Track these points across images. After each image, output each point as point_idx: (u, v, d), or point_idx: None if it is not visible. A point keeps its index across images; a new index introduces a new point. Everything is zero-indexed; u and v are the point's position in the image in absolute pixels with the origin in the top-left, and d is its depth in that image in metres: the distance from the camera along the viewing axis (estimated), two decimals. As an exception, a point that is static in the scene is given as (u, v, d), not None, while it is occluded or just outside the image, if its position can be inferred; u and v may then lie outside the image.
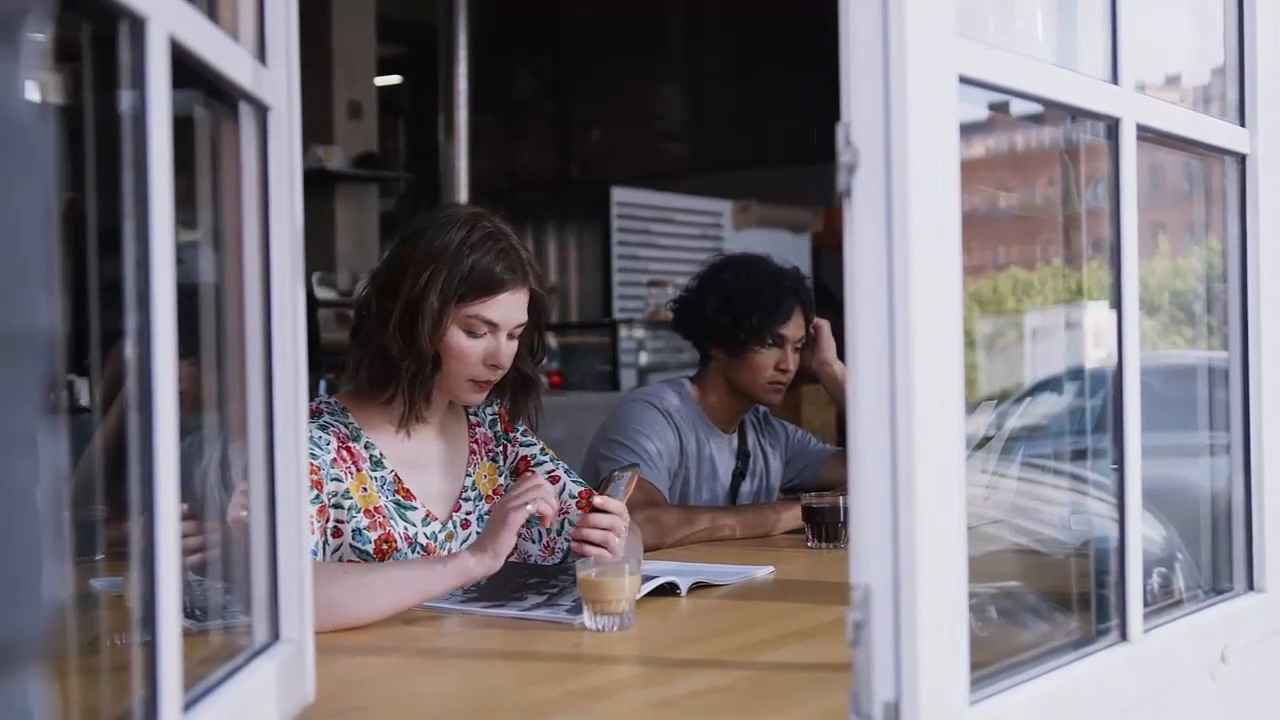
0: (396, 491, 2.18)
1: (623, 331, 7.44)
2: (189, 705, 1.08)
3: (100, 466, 1.84)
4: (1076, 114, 1.54)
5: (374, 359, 2.16)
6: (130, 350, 1.00)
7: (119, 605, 1.44)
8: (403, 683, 1.64)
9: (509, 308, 2.17)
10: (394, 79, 10.15)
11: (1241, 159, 1.79)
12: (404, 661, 1.76)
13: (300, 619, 1.38)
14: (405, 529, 2.16)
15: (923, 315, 1.15)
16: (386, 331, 2.13)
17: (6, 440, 0.56)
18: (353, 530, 2.11)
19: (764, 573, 2.33)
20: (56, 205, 0.62)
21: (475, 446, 2.34)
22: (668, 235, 8.27)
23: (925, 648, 1.15)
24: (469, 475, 2.31)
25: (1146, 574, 1.59)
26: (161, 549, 1.00)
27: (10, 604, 0.56)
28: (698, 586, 2.15)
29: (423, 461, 2.25)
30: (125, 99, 1.00)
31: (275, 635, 1.36)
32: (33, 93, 0.61)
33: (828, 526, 2.62)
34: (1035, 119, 1.69)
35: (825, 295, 6.04)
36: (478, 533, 2.25)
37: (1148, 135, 1.55)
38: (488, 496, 2.31)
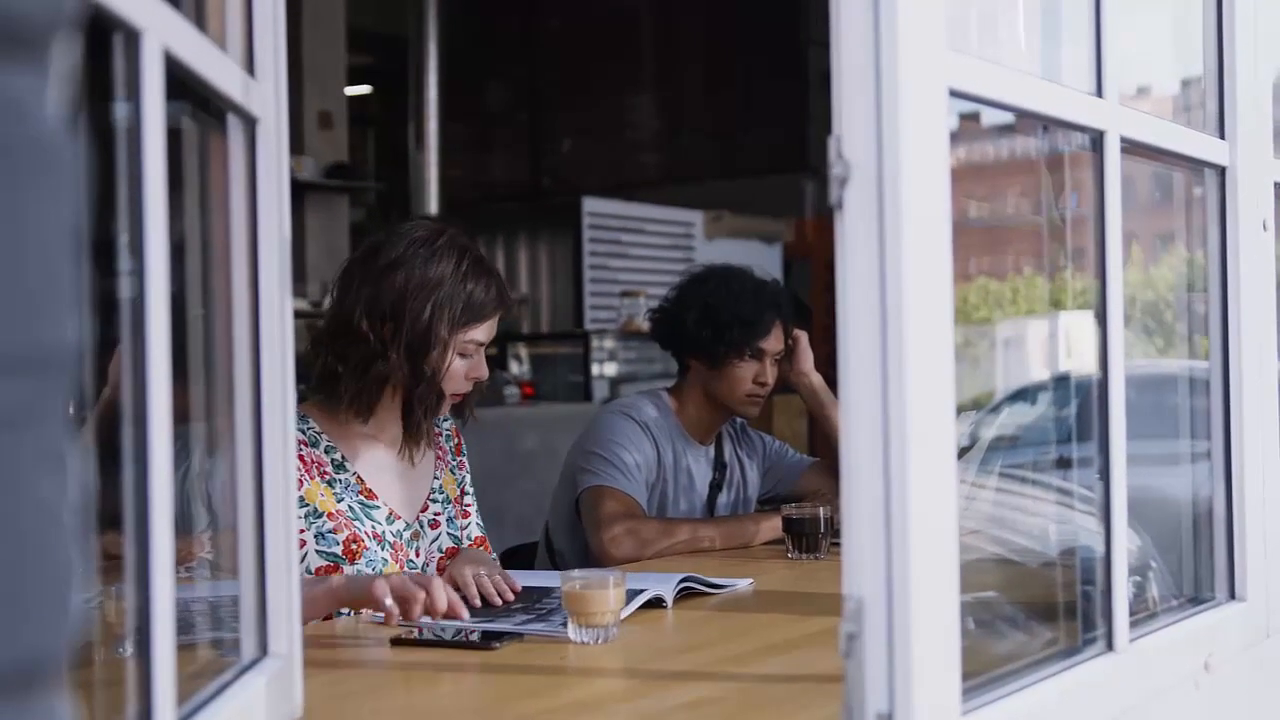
0: (360, 492, 2.25)
1: (594, 342, 7.41)
2: (181, 721, 1.07)
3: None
4: (1062, 126, 1.55)
5: (374, 386, 2.22)
6: (125, 362, 0.99)
7: (99, 619, 1.43)
8: (390, 697, 1.63)
9: (494, 327, 2.30)
10: (364, 89, 10.13)
11: (1221, 171, 1.80)
12: (391, 676, 1.75)
13: (289, 634, 1.37)
14: (372, 527, 2.23)
15: (916, 326, 1.15)
16: (389, 361, 2.19)
17: (36, 456, 0.56)
18: (316, 535, 2.17)
19: (745, 584, 2.33)
20: (84, 221, 0.62)
21: (440, 453, 2.43)
22: (639, 245, 8.25)
23: (919, 658, 1.15)
24: (436, 478, 2.39)
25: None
26: (155, 563, 0.99)
27: (40, 621, 0.56)
28: (685, 594, 2.16)
29: (389, 465, 2.31)
30: (119, 110, 1.00)
31: (264, 650, 1.35)
32: (61, 108, 0.60)
33: (808, 537, 2.62)
34: (1007, 129, 1.70)
35: (796, 305, 6.05)
36: (448, 533, 2.36)
37: (1130, 148, 1.56)
38: (454, 500, 2.40)
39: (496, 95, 10.25)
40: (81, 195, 0.61)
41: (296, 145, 7.29)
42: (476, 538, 2.41)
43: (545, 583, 2.21)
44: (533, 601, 2.10)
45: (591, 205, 8.12)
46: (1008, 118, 1.56)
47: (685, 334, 3.01)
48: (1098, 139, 1.51)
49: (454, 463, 2.44)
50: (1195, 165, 1.81)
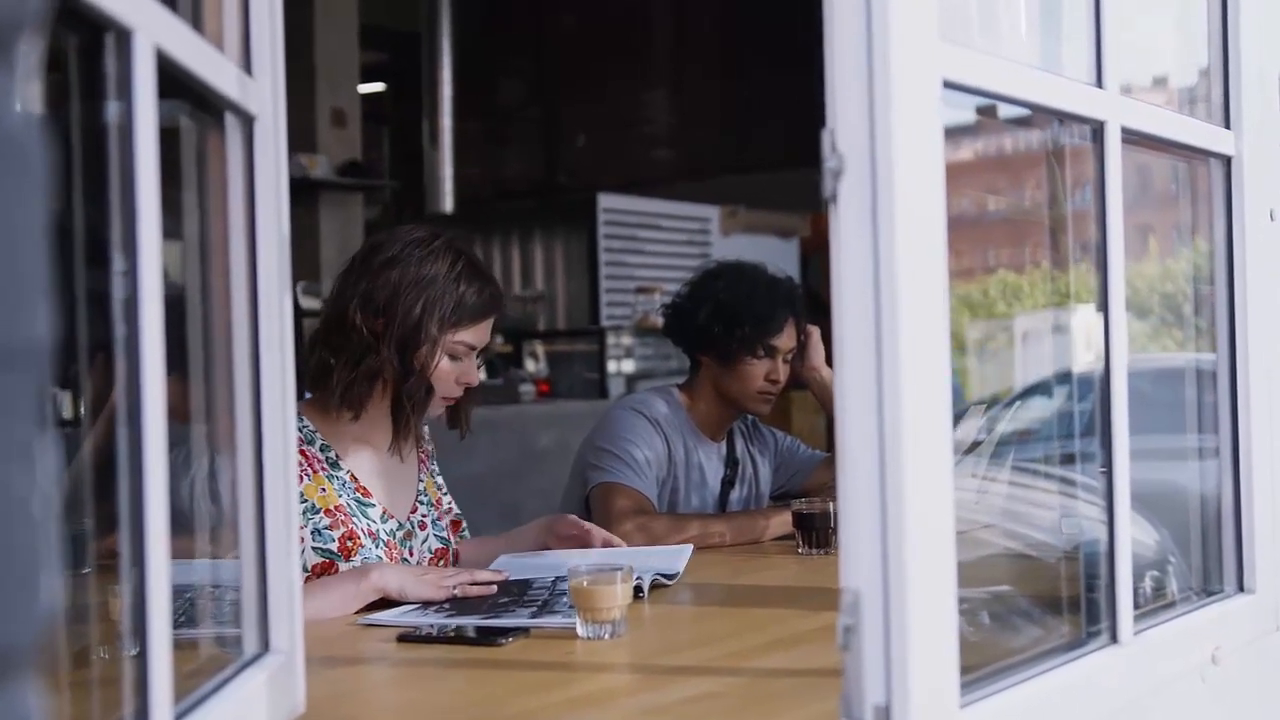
0: (356, 490, 2.28)
1: (610, 339, 7.40)
2: (180, 717, 1.08)
3: (89, 479, 1.84)
4: (1061, 117, 1.54)
5: (364, 380, 2.25)
6: (119, 362, 0.99)
7: (104, 618, 1.43)
8: (393, 693, 1.64)
9: (487, 332, 2.33)
10: (378, 86, 10.14)
11: (1227, 161, 1.79)
12: (395, 672, 1.76)
13: (290, 630, 1.37)
14: (368, 525, 2.27)
15: (910, 319, 1.15)
16: (379, 356, 2.23)
17: (4, 449, 0.56)
18: (313, 531, 2.20)
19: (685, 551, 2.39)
20: (52, 217, 0.62)
21: (423, 457, 2.48)
22: (655, 241, 8.25)
23: (915, 651, 1.15)
24: (420, 481, 2.44)
25: (1139, 577, 1.59)
26: (151, 561, 1.00)
27: (9, 612, 0.57)
28: (655, 586, 2.19)
29: (379, 466, 2.35)
30: (111, 109, 1.00)
31: (265, 646, 1.35)
32: (28, 105, 0.61)
33: (818, 532, 2.62)
34: (1022, 122, 1.69)
35: (813, 301, 6.04)
36: (434, 535, 2.41)
37: (1133, 138, 1.55)
38: (435, 504, 2.45)
39: (510, 92, 10.24)
40: (50, 192, 0.62)
41: (310, 143, 7.30)
42: (437, 549, 2.42)
43: (530, 575, 2.23)
44: (520, 595, 2.10)
45: (607, 201, 8.12)
46: (1025, 110, 1.55)
47: (697, 330, 3.00)
48: (1098, 130, 1.50)
49: (432, 467, 2.50)
50: (1200, 155, 1.80)
